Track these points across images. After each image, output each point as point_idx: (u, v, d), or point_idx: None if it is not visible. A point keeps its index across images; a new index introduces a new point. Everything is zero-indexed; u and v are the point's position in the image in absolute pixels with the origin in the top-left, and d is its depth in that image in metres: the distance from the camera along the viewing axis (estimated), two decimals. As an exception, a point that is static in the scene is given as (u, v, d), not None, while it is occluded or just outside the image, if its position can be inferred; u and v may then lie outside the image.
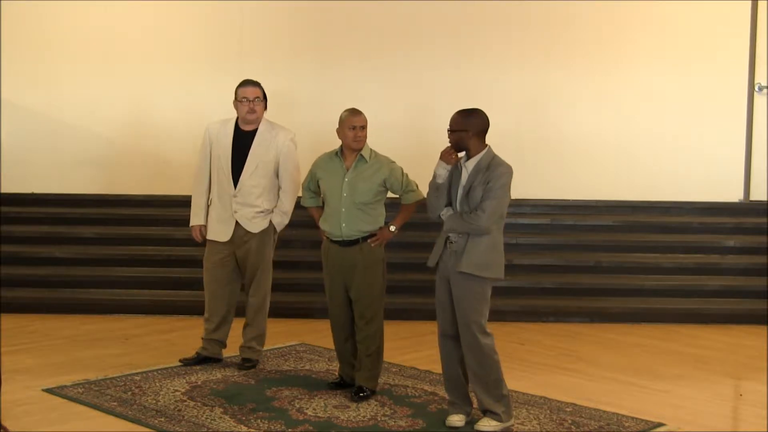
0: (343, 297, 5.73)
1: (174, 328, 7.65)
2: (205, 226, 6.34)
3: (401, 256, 8.39)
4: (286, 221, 6.31)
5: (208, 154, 6.34)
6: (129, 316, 8.03)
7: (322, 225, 5.75)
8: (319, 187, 5.80)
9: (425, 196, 5.65)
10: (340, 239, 5.65)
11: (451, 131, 5.08)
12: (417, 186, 5.74)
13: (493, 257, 5.02)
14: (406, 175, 5.72)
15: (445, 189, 5.11)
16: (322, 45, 9.94)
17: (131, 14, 9.94)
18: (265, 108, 6.29)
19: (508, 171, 5.02)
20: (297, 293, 8.19)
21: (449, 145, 5.10)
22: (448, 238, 5.09)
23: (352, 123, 5.62)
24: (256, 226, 6.20)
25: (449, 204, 5.12)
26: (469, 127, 5.03)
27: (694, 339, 7.53)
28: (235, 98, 6.23)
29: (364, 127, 5.64)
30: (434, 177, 5.13)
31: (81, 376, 6.08)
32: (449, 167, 5.08)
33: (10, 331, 7.29)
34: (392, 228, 5.68)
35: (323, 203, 5.79)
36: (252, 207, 6.19)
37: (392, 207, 5.83)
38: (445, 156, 5.07)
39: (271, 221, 6.24)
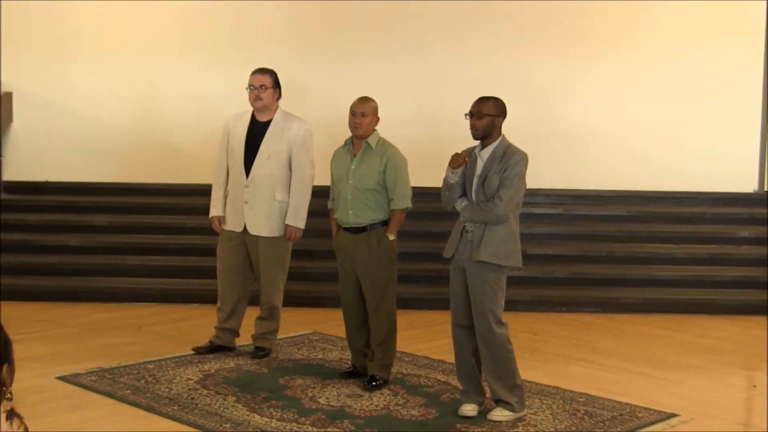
0: (354, 284, 5.73)
1: (187, 316, 7.66)
2: (224, 217, 6.34)
3: (415, 246, 8.40)
4: (302, 216, 6.15)
5: (225, 146, 6.34)
6: (142, 305, 8.05)
7: (335, 213, 5.76)
8: None
9: (409, 206, 5.63)
10: (348, 226, 5.67)
11: (483, 115, 4.97)
12: (408, 194, 5.64)
13: (511, 246, 5.02)
14: (404, 177, 5.61)
15: (459, 186, 5.08)
16: (336, 36, 9.92)
17: (144, 3, 9.94)
18: (279, 96, 6.25)
19: (524, 159, 5.00)
20: (310, 282, 8.19)
21: (456, 152, 5.05)
22: (464, 227, 5.08)
23: (353, 108, 5.64)
24: (266, 229, 6.14)
25: (464, 194, 5.10)
26: (498, 113, 5.02)
27: (707, 330, 7.51)
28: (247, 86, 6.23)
29: (365, 114, 5.59)
30: (446, 178, 5.11)
31: (94, 364, 6.10)
32: (460, 171, 5.05)
33: (23, 318, 7.32)
34: (391, 237, 5.64)
35: None
36: (266, 200, 6.12)
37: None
38: (453, 162, 5.03)
39: (285, 226, 6.14)
